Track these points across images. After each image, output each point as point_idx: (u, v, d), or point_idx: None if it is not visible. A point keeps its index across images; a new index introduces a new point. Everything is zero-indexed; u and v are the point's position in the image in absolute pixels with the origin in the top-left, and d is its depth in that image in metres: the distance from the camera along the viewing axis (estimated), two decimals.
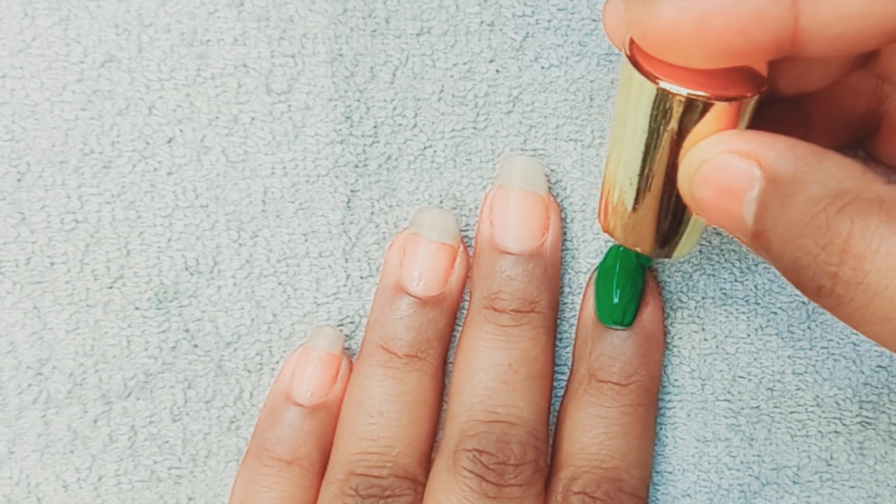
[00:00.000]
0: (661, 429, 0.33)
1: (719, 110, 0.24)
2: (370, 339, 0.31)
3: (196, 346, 0.32)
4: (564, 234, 0.33)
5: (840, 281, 0.20)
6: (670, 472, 0.33)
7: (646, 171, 0.26)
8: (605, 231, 0.28)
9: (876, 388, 0.33)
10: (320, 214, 0.32)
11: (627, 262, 0.31)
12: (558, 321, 0.32)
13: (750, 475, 0.33)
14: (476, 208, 0.32)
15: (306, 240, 0.32)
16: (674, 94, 0.24)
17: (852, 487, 0.33)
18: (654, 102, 0.24)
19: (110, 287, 0.32)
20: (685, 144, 0.24)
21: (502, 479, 0.29)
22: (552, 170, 0.33)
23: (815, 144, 0.22)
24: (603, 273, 0.32)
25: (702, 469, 0.33)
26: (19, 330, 0.32)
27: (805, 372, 0.33)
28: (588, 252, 0.33)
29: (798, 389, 0.33)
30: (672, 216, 0.27)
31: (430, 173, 0.33)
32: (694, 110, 0.24)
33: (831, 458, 0.33)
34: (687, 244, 0.28)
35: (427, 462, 0.31)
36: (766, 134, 0.23)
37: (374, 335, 0.31)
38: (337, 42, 0.32)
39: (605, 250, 0.32)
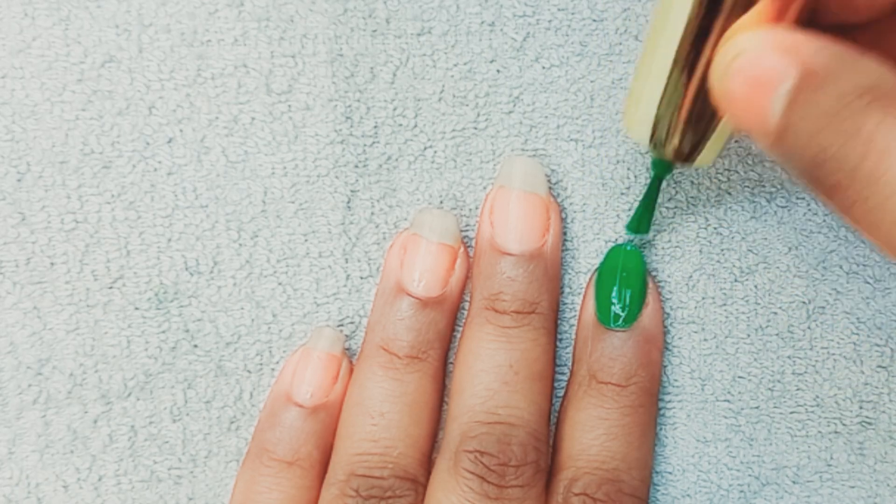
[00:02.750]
0: (661, 429, 0.33)
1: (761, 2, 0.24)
2: (371, 340, 0.31)
3: (196, 346, 0.32)
4: (565, 234, 0.33)
5: (859, 176, 0.20)
6: (670, 473, 0.33)
7: (681, 61, 0.25)
8: (628, 132, 0.28)
9: (876, 388, 0.33)
10: (320, 215, 0.32)
11: (628, 262, 0.31)
12: (559, 322, 0.33)
13: (750, 475, 0.33)
14: (476, 209, 0.32)
15: (306, 240, 0.32)
16: None
17: (852, 487, 0.33)
18: None
19: (110, 287, 0.32)
20: (726, 34, 0.24)
21: (503, 480, 0.29)
22: (552, 170, 0.33)
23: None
24: (603, 274, 0.32)
25: (702, 469, 0.33)
26: (19, 330, 0.32)
27: (805, 372, 0.33)
28: (588, 252, 0.33)
29: (798, 389, 0.33)
30: (700, 115, 0.26)
31: (430, 173, 0.33)
32: None
33: (831, 458, 0.33)
34: (710, 152, 0.27)
35: (428, 463, 0.31)
36: (803, 32, 0.23)
37: (374, 336, 0.31)
38: (337, 42, 0.32)
39: (605, 251, 0.32)
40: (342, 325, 0.33)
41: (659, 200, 0.32)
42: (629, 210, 0.33)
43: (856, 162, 0.20)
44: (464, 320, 0.32)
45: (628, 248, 0.32)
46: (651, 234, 0.33)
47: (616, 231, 0.33)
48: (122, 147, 0.32)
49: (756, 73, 0.23)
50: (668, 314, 0.33)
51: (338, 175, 0.32)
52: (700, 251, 0.33)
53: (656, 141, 0.27)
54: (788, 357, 0.33)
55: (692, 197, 0.33)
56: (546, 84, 0.32)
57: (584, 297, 0.32)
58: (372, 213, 0.33)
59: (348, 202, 0.32)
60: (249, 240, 0.32)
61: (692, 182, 0.33)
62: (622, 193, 0.33)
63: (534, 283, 0.31)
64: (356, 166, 0.32)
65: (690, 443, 0.33)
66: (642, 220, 0.31)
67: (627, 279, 0.31)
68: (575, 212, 0.33)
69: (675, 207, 0.33)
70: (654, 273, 0.33)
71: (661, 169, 0.30)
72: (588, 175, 0.33)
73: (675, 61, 0.25)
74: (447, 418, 0.31)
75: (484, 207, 0.32)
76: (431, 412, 0.31)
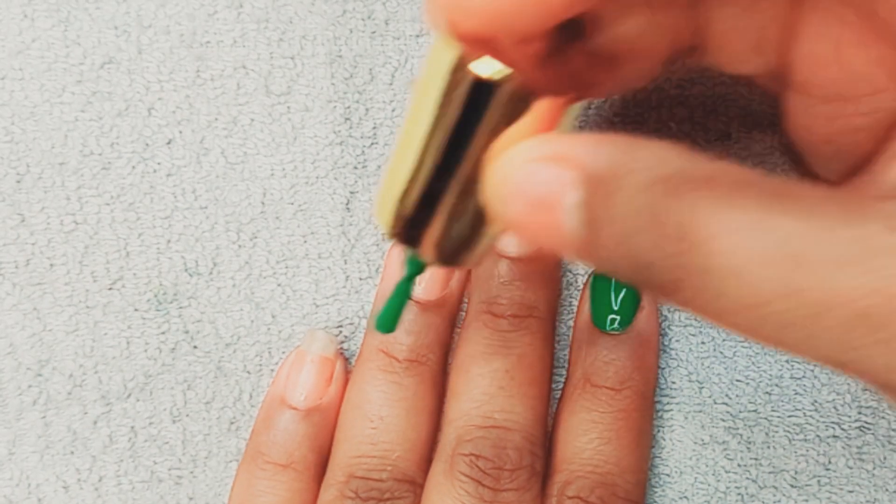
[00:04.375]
0: (658, 432, 0.33)
1: (530, 109, 0.21)
2: (370, 343, 0.31)
3: (196, 347, 0.32)
4: None
5: (691, 271, 0.18)
6: (668, 475, 0.33)
7: (439, 165, 0.22)
8: (380, 225, 0.24)
9: (874, 393, 0.33)
10: (319, 216, 0.32)
11: None
12: (559, 324, 0.32)
13: (747, 479, 0.33)
14: None
15: (305, 241, 0.33)
16: (480, 76, 0.20)
17: (850, 492, 0.33)
18: (461, 87, 0.21)
19: (110, 288, 0.32)
20: (492, 148, 0.21)
21: (498, 484, 0.29)
22: None
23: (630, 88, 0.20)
24: (599, 277, 0.32)
25: (699, 472, 0.33)
26: (19, 331, 0.32)
27: (803, 376, 0.33)
28: None
29: (796, 394, 0.33)
30: (461, 217, 0.23)
31: None
32: (505, 97, 0.21)
33: (829, 462, 0.33)
34: (476, 256, 0.24)
35: (426, 465, 0.31)
36: (575, 135, 0.21)
37: (373, 339, 0.31)
38: (336, 43, 0.32)
39: None
40: (341, 327, 0.33)
41: None
42: None
43: (679, 259, 0.18)
44: (461, 324, 0.32)
45: None
46: None
47: None
48: (122, 148, 0.32)
49: (535, 192, 0.20)
50: (664, 317, 0.33)
51: (337, 176, 0.32)
52: None
53: (410, 240, 0.24)
54: (786, 361, 0.33)
55: None
56: None
57: (581, 300, 0.32)
58: (371, 215, 0.33)
59: (347, 203, 0.32)
60: (249, 241, 0.32)
61: None
62: None
63: (532, 287, 0.31)
64: (355, 167, 0.32)
65: (688, 445, 0.33)
66: (390, 318, 0.26)
67: (623, 282, 0.31)
68: None
69: None
70: None
71: (416, 268, 0.26)
72: None
73: (433, 164, 0.22)
74: (443, 421, 0.31)
75: None
76: (430, 415, 0.31)
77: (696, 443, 0.33)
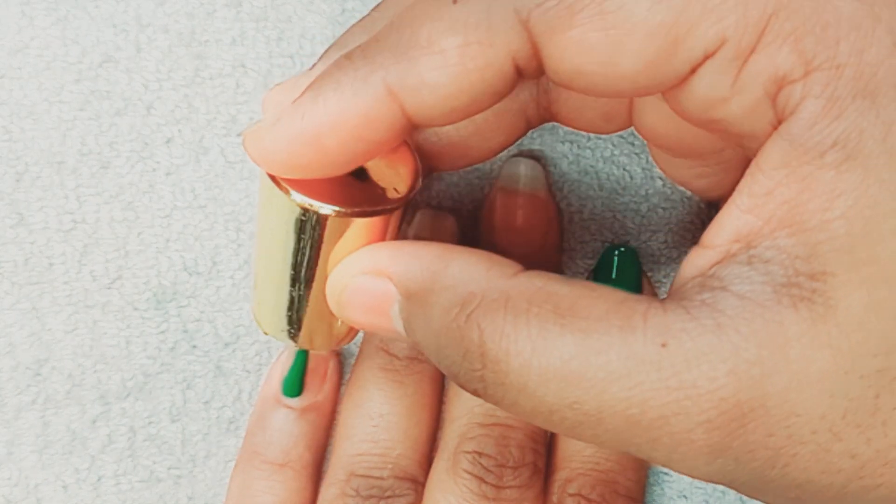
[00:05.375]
0: None
1: (356, 224, 0.23)
2: (370, 342, 0.31)
3: (195, 346, 0.32)
4: (561, 235, 0.33)
5: (488, 384, 0.21)
6: (667, 474, 0.33)
7: (294, 288, 0.25)
8: (261, 327, 0.28)
9: None
10: None
11: (623, 263, 0.32)
12: None
13: None
14: (475, 210, 0.33)
15: None
16: (306, 209, 0.23)
17: None
18: (288, 216, 0.23)
19: (109, 287, 0.32)
20: (330, 258, 0.24)
21: (501, 481, 0.29)
22: (548, 171, 0.33)
23: (443, 245, 0.22)
24: (598, 275, 0.32)
25: None
26: (18, 330, 0.32)
27: None
28: (586, 252, 0.33)
29: None
30: (320, 319, 0.26)
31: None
32: (329, 224, 0.23)
33: None
34: (341, 339, 0.28)
35: (427, 463, 0.31)
36: (397, 244, 0.23)
37: (374, 337, 0.31)
38: None
39: (600, 252, 0.33)
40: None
41: (654, 201, 0.33)
42: (625, 210, 0.33)
43: (480, 373, 0.21)
44: None
45: (623, 248, 0.32)
46: (647, 234, 0.33)
47: (612, 232, 0.33)
48: (121, 147, 0.32)
49: (365, 301, 0.23)
50: None
51: None
52: None
53: (289, 335, 0.27)
54: None
55: (687, 197, 0.33)
56: None
57: None
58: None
59: None
60: (248, 240, 0.32)
61: None
62: (618, 194, 0.33)
63: None
64: None
65: None
66: (295, 384, 0.31)
67: (622, 280, 0.31)
68: (571, 213, 0.33)
69: (671, 207, 0.33)
70: (649, 273, 0.33)
71: (302, 354, 0.32)
72: (584, 176, 0.33)
73: (291, 279, 0.25)
74: (445, 419, 0.31)
75: (485, 209, 0.32)
76: (431, 413, 0.31)
77: None
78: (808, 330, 0.19)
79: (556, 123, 0.32)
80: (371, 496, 0.30)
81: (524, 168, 0.32)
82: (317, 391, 0.32)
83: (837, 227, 0.19)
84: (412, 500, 0.30)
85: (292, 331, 0.27)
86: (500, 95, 0.22)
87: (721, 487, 0.33)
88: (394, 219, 0.24)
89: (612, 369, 0.19)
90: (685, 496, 0.33)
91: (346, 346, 0.33)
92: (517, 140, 0.28)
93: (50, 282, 0.32)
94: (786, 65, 0.19)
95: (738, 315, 0.19)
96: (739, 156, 0.26)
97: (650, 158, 0.32)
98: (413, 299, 0.22)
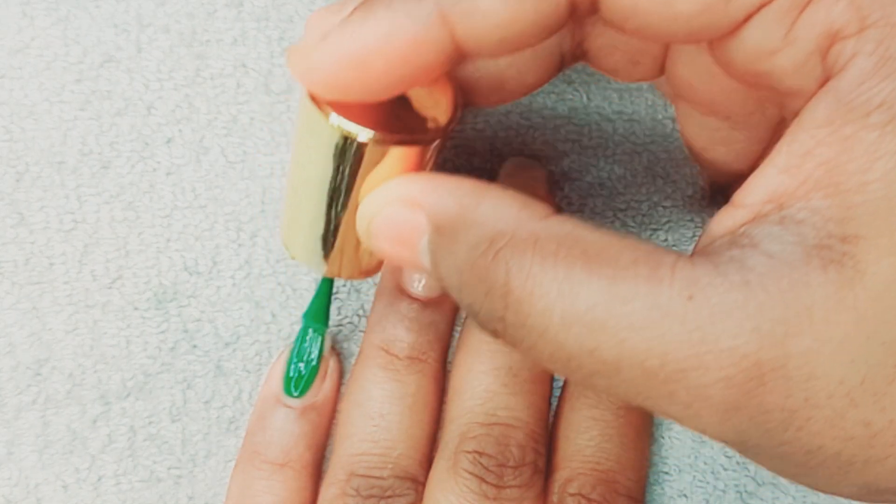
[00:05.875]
0: (657, 429, 0.33)
1: (393, 152, 0.23)
2: (370, 341, 0.31)
3: (195, 346, 0.32)
4: None
5: (508, 325, 0.20)
6: (667, 473, 0.33)
7: (327, 213, 0.25)
8: (291, 254, 0.28)
9: None
10: None
11: None
12: None
13: (746, 475, 0.33)
14: None
15: None
16: (345, 132, 0.23)
17: None
18: (327, 139, 0.23)
19: (109, 287, 0.32)
20: (364, 185, 0.24)
21: (501, 481, 0.29)
22: (550, 170, 0.33)
23: (476, 183, 0.22)
24: None
25: (698, 469, 0.33)
26: (18, 330, 0.32)
27: None
28: None
29: None
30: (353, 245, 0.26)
31: None
32: (367, 150, 0.23)
33: None
34: (371, 268, 0.28)
35: (427, 463, 0.31)
36: (431, 176, 0.23)
37: (374, 337, 0.31)
38: None
39: None
40: (341, 326, 0.33)
41: (655, 199, 0.33)
42: (626, 209, 0.33)
43: (501, 313, 0.20)
44: (462, 321, 0.32)
45: None
46: (648, 233, 0.33)
47: (613, 230, 0.33)
48: (121, 147, 0.32)
49: (394, 233, 0.23)
50: None
51: None
52: None
53: (319, 260, 0.27)
54: None
55: (688, 196, 0.33)
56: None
57: None
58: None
59: None
60: (248, 240, 0.32)
61: (688, 181, 0.33)
62: (619, 193, 0.33)
63: None
64: None
65: (687, 443, 0.33)
66: (320, 314, 0.31)
67: None
68: (572, 211, 0.33)
69: (672, 206, 0.33)
70: None
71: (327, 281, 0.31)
72: (586, 175, 0.33)
73: (326, 203, 0.25)
74: (446, 419, 0.31)
75: None
76: (431, 413, 0.31)
77: (694, 440, 0.33)
78: (835, 293, 0.19)
79: (557, 124, 0.32)
80: (371, 496, 0.29)
81: (525, 168, 0.32)
82: (317, 390, 0.32)
83: (875, 190, 0.19)
84: (413, 500, 0.30)
85: (323, 256, 0.26)
86: (552, 31, 0.21)
87: (722, 486, 0.33)
88: (432, 151, 0.24)
89: (635, 318, 0.19)
90: (685, 495, 0.33)
91: (345, 346, 0.33)
92: (551, 78, 0.27)
93: (50, 281, 0.32)
94: (841, 19, 0.19)
95: (767, 273, 0.19)
96: (769, 121, 0.26)
97: (651, 157, 0.32)
98: (442, 233, 0.22)
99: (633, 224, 0.33)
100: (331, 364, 0.32)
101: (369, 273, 0.28)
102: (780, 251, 0.19)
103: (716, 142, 0.27)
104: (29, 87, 0.31)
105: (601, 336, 0.19)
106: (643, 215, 0.32)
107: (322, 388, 0.32)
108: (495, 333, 0.21)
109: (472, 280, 0.21)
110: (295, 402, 0.31)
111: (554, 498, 0.30)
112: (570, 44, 0.26)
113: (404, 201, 0.23)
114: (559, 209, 0.33)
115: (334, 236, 0.26)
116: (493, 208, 0.21)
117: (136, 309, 0.32)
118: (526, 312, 0.20)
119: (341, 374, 0.32)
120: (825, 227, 0.19)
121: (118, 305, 0.32)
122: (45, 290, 0.32)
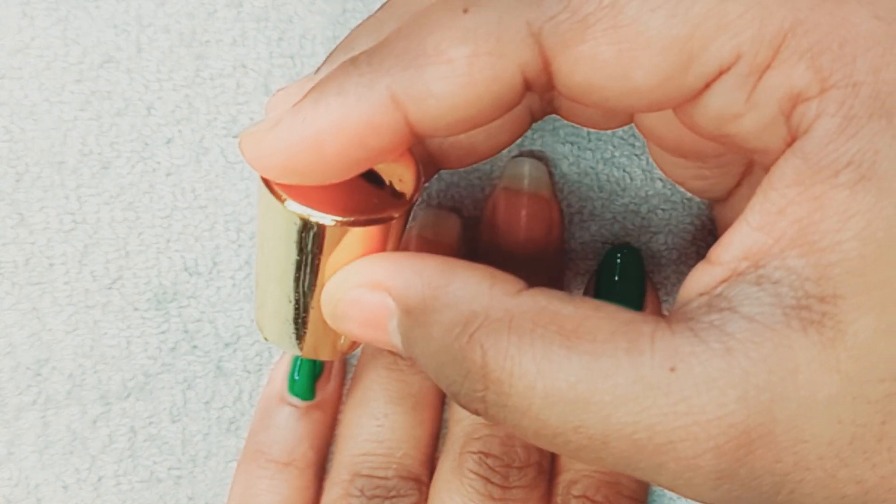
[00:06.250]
0: None
1: (355, 232, 0.23)
2: None
3: (195, 346, 0.32)
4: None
5: (490, 405, 0.20)
6: None
7: (295, 295, 0.25)
8: (265, 336, 0.27)
9: None
10: None
11: (626, 264, 0.32)
12: None
13: None
14: (475, 209, 0.33)
15: None
16: (302, 217, 0.22)
17: None
18: (284, 224, 0.23)
19: (109, 288, 0.32)
20: (328, 267, 0.23)
21: (507, 482, 0.29)
22: (549, 172, 0.33)
23: (445, 259, 0.22)
24: (601, 276, 0.32)
25: None
26: (18, 331, 0.32)
27: None
28: (586, 254, 0.33)
29: None
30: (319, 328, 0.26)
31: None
32: (326, 233, 0.22)
33: None
34: (343, 349, 0.27)
35: (431, 463, 0.31)
36: (395, 257, 0.23)
37: None
38: (336, 42, 0.32)
39: (602, 252, 0.33)
40: None
41: (655, 202, 0.33)
42: (625, 211, 0.33)
43: (482, 394, 0.20)
44: None
45: (626, 250, 0.32)
46: (647, 236, 0.33)
47: (612, 233, 0.33)
48: (121, 147, 0.32)
49: (361, 314, 0.23)
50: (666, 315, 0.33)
51: None
52: (697, 252, 0.33)
53: (292, 344, 0.27)
54: None
55: (687, 199, 0.33)
56: None
57: (585, 291, 0.32)
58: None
59: None
60: (248, 240, 0.32)
61: None
62: (618, 195, 0.33)
63: None
64: None
65: None
66: (306, 389, 0.31)
67: (625, 282, 0.32)
68: (571, 214, 0.33)
69: (671, 209, 0.33)
70: (651, 274, 0.33)
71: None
72: (584, 177, 0.33)
73: (290, 288, 0.24)
74: (450, 420, 0.31)
75: (488, 209, 0.32)
76: (435, 413, 0.31)
77: None
78: (817, 355, 0.19)
79: (556, 126, 0.33)
80: (375, 496, 0.30)
81: (529, 168, 0.32)
82: (321, 390, 0.32)
83: (850, 249, 0.19)
84: (416, 500, 0.30)
85: (295, 339, 0.26)
86: (507, 108, 0.21)
87: None
88: (395, 226, 0.24)
89: (619, 393, 0.19)
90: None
91: None
92: (522, 135, 0.27)
93: (50, 282, 0.32)
94: (801, 82, 0.19)
95: (748, 339, 0.19)
96: (739, 160, 0.26)
97: (650, 160, 0.33)
98: (412, 315, 0.22)
99: (631, 227, 0.33)
100: (334, 364, 0.32)
101: (347, 352, 0.28)
102: (759, 314, 0.19)
103: (688, 177, 0.28)
104: (29, 88, 0.31)
105: (585, 413, 0.19)
106: (642, 218, 0.33)
107: (326, 388, 0.32)
108: (477, 413, 0.21)
109: (448, 362, 0.21)
110: (299, 401, 0.31)
111: (558, 499, 0.30)
112: (539, 103, 0.26)
113: (369, 284, 0.22)
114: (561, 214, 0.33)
115: (305, 318, 0.25)
116: (464, 288, 0.21)
117: (136, 309, 0.32)
118: (507, 393, 0.20)
119: (345, 374, 0.33)
120: (802, 287, 0.19)
121: (118, 306, 0.32)
122: (46, 290, 0.32)
